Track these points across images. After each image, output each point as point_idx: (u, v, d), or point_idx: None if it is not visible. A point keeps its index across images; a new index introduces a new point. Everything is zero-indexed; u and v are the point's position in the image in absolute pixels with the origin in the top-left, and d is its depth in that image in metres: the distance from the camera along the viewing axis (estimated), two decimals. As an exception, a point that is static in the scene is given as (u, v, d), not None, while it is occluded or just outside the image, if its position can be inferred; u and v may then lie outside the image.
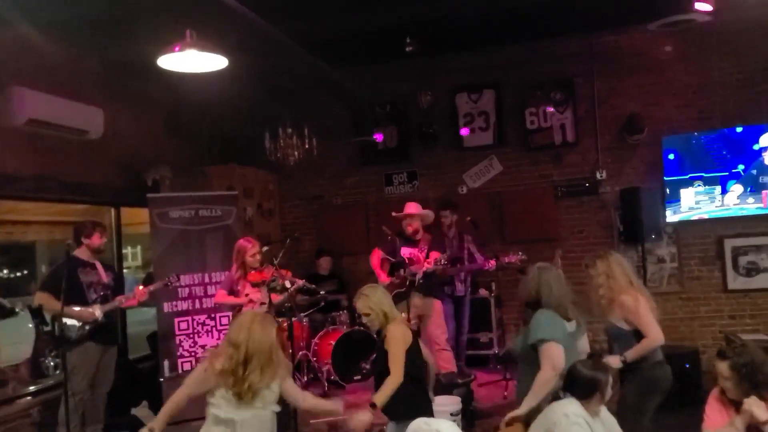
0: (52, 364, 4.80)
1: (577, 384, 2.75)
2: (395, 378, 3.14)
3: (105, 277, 4.71)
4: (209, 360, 2.85)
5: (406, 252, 5.66)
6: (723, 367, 2.73)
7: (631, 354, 3.34)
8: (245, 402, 2.77)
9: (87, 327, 4.49)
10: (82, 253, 4.64)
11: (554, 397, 2.79)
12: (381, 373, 3.26)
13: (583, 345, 3.28)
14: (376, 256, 5.79)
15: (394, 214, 5.88)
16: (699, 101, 6.40)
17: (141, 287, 4.98)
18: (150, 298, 5.00)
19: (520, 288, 3.28)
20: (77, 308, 4.41)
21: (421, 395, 3.34)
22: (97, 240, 4.66)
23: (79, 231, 4.66)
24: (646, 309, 3.41)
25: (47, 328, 4.40)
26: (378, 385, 3.23)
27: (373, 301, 3.34)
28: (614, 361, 3.30)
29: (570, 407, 2.68)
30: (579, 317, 3.26)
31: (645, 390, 3.38)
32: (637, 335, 3.39)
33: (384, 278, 5.60)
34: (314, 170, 7.40)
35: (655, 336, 3.36)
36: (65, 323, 4.29)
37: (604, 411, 2.84)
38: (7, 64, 4.75)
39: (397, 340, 3.23)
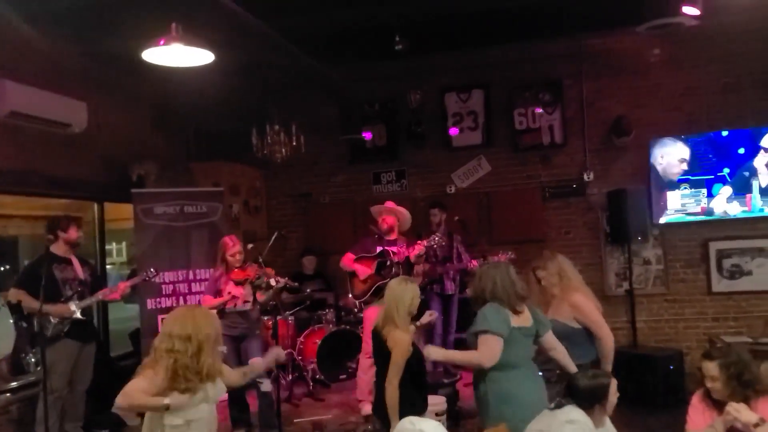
0: (32, 360, 4.71)
1: (578, 394, 2.72)
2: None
3: (81, 273, 4.63)
4: (149, 370, 2.67)
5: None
6: (711, 366, 2.73)
7: (607, 365, 3.41)
8: (200, 396, 2.68)
9: (64, 324, 4.42)
10: (57, 248, 4.56)
11: (557, 405, 2.76)
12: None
13: (551, 341, 3.27)
14: (348, 258, 5.42)
15: (372, 208, 5.68)
16: (686, 105, 6.43)
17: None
18: (132, 293, 4.94)
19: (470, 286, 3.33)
20: (53, 305, 4.34)
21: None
22: (74, 234, 4.59)
23: (54, 225, 4.56)
24: (597, 308, 3.54)
25: (25, 325, 4.32)
26: None
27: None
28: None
29: (573, 413, 2.66)
30: (536, 312, 3.27)
31: None
32: (587, 333, 3.49)
33: (364, 270, 5.32)
34: (302, 168, 7.35)
35: (609, 334, 3.49)
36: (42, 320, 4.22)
37: (607, 422, 2.80)
38: (-11, 55, 4.68)
39: None
